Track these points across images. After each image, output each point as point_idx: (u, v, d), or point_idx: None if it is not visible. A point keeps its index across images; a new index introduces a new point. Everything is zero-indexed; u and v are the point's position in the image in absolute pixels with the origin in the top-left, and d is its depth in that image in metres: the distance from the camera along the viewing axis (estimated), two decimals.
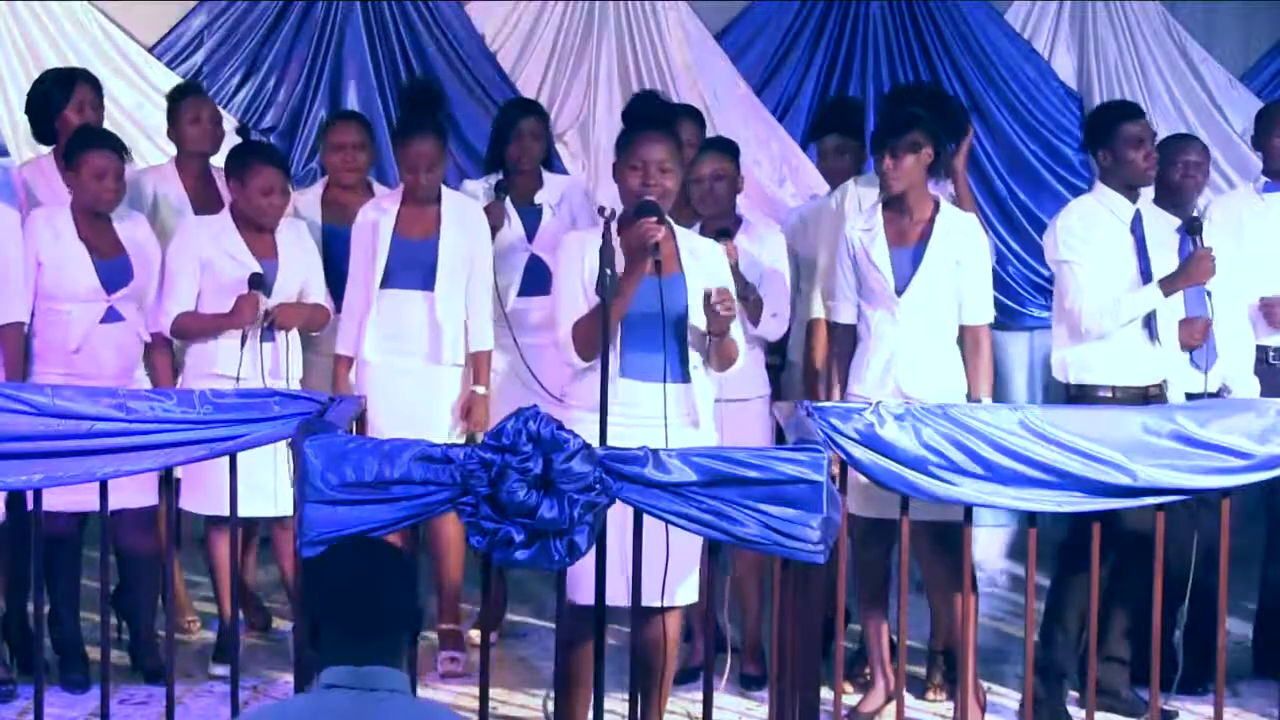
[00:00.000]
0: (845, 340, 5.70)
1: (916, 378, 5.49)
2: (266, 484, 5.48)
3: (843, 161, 6.45)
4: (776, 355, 6.32)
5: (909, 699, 5.57)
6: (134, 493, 5.54)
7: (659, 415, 4.79)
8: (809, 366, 6.16)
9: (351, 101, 8.13)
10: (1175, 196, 5.99)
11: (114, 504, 5.31)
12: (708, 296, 4.88)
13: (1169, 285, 5.67)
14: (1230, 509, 4.98)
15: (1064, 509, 4.79)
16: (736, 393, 5.71)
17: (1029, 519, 4.97)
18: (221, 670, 5.80)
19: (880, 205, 5.63)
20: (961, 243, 5.54)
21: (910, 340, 5.52)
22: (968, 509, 4.84)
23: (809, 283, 6.22)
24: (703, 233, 5.82)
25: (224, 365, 5.84)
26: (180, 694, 5.32)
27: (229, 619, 5.67)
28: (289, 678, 4.99)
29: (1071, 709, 5.69)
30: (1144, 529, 5.08)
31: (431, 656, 5.98)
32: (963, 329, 5.58)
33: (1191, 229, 5.83)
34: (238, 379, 5.71)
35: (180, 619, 6.27)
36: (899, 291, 5.52)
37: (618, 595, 4.56)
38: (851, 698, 5.72)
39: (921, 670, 5.95)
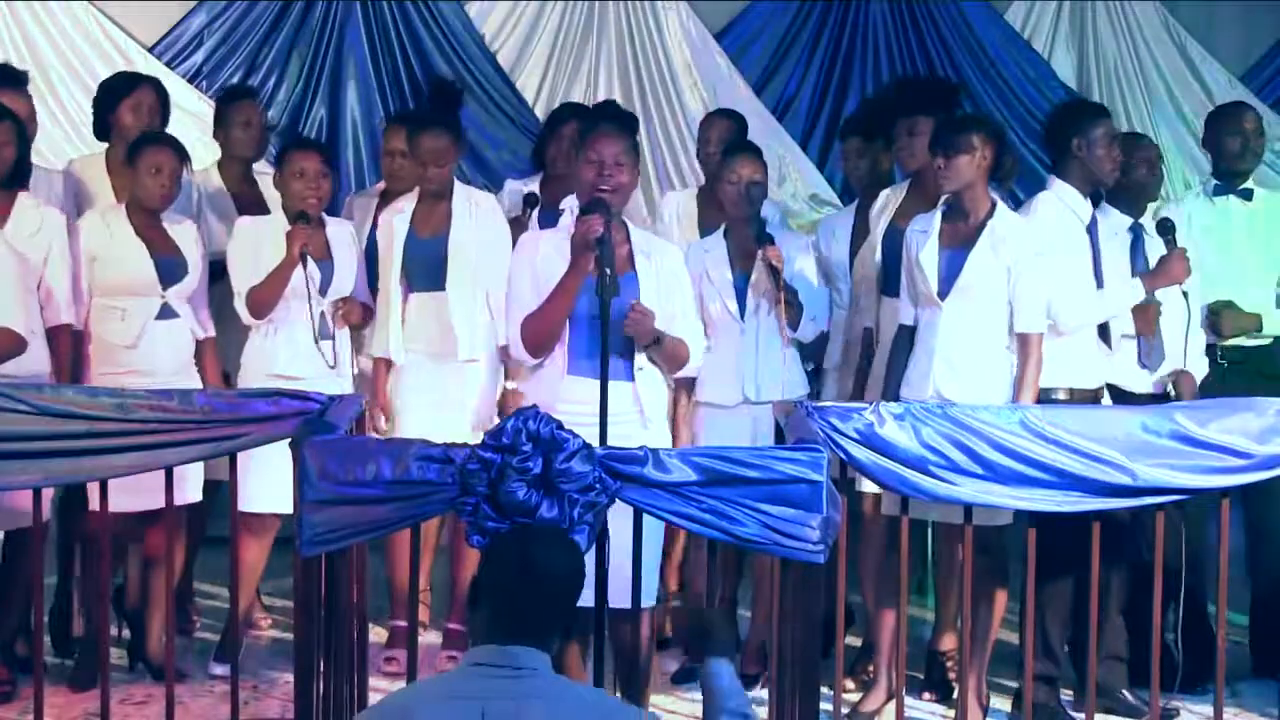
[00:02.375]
0: (904, 341, 5.65)
1: (955, 382, 5.42)
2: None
3: (862, 164, 6.40)
4: (809, 362, 6.30)
5: (909, 699, 5.57)
6: (177, 490, 5.55)
7: (612, 413, 4.77)
8: (860, 373, 6.10)
9: (351, 101, 8.16)
10: (1135, 194, 5.94)
11: (153, 504, 5.34)
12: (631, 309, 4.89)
13: (1150, 282, 5.67)
14: (1206, 511, 4.95)
15: (1064, 509, 4.78)
16: (777, 394, 5.71)
17: (1028, 519, 4.97)
18: (221, 670, 5.80)
19: (941, 209, 5.59)
20: (1014, 248, 5.44)
21: (950, 344, 5.45)
22: (967, 508, 4.84)
23: (835, 291, 6.20)
24: (728, 233, 5.84)
25: (282, 365, 5.87)
26: (180, 694, 5.32)
27: (240, 618, 5.67)
28: (289, 677, 4.99)
29: (1069, 709, 5.69)
30: (1119, 523, 5.05)
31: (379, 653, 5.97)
32: (1014, 336, 5.49)
33: (1163, 229, 5.82)
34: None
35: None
36: (942, 295, 5.47)
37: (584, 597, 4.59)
38: (853, 695, 5.72)
39: (919, 673, 5.96)
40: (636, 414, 4.96)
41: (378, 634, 6.14)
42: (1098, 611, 5.56)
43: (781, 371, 5.83)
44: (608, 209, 4.88)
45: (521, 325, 4.97)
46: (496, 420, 6.00)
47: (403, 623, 6.15)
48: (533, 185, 6.57)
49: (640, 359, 5.01)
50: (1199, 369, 5.94)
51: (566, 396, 4.86)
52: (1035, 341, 5.46)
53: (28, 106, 6.23)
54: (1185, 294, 5.74)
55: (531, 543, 3.24)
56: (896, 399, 5.47)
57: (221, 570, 6.40)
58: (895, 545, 5.51)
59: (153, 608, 5.97)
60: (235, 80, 8.06)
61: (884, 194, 6.11)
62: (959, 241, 5.49)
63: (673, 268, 5.14)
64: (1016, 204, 5.79)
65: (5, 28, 7.94)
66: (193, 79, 8.04)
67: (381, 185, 6.69)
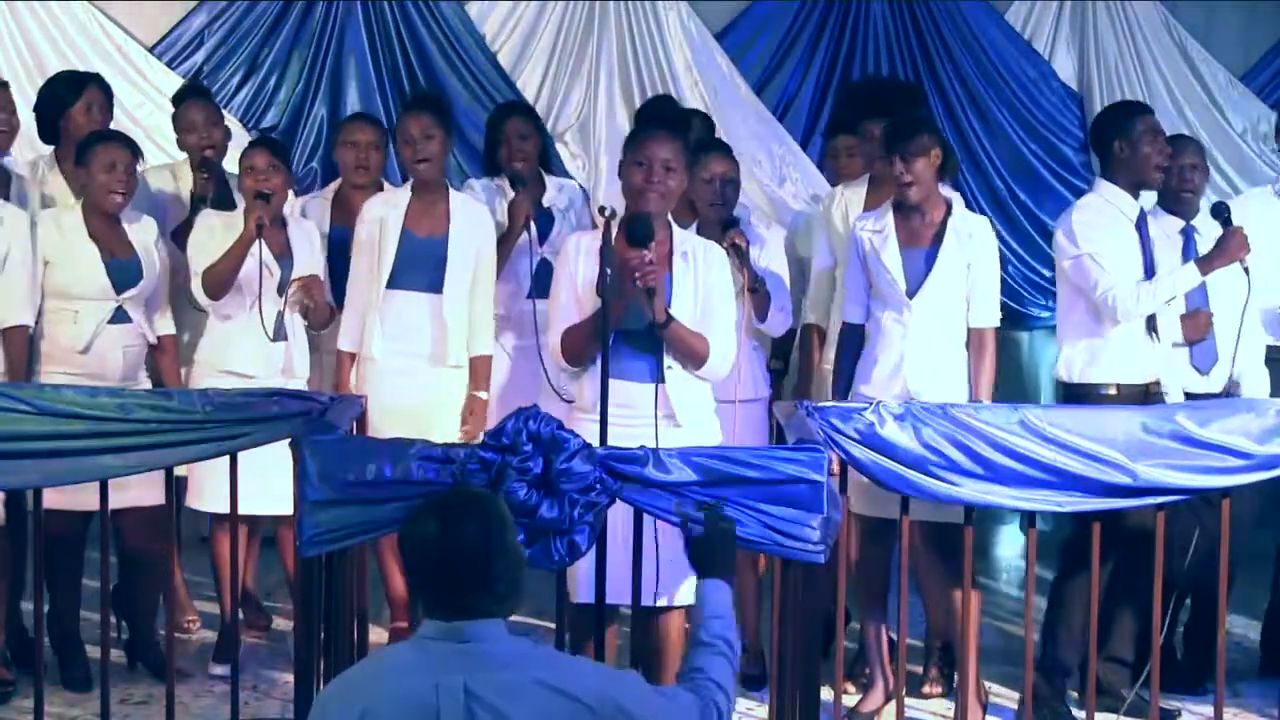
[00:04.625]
0: (853, 340, 5.68)
1: (925, 380, 5.47)
2: (273, 482, 5.47)
3: (853, 164, 6.39)
4: (780, 360, 6.30)
5: (909, 699, 5.57)
6: (141, 491, 5.54)
7: (646, 415, 4.79)
8: (805, 371, 6.16)
9: (352, 101, 8.14)
10: (1185, 197, 5.97)
11: (120, 503, 5.34)
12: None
13: (1206, 265, 5.67)
14: (1243, 510, 4.94)
15: (1064, 509, 4.79)
16: (740, 394, 5.70)
17: (1029, 519, 4.97)
18: (221, 670, 5.80)
19: (890, 207, 5.62)
20: (973, 245, 5.52)
21: (920, 342, 5.50)
22: (968, 509, 4.84)
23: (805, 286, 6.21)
24: (700, 232, 5.83)
25: (234, 363, 5.85)
26: (180, 694, 5.32)
27: (230, 618, 5.67)
28: (289, 677, 4.99)
29: (1072, 709, 5.69)
30: (1146, 529, 5.07)
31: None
32: (969, 331, 5.57)
33: (1218, 212, 5.84)
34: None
35: (180, 619, 6.28)
36: (910, 294, 5.50)
37: (618, 594, 4.58)
38: (852, 698, 5.72)
39: (919, 669, 5.96)
40: (664, 416, 4.90)
41: (377, 634, 6.14)
42: (1110, 612, 5.59)
43: (744, 370, 5.80)
44: (653, 235, 4.83)
45: (562, 336, 4.93)
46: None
47: (404, 624, 6.16)
48: (502, 184, 6.54)
49: (668, 358, 4.95)
50: (1256, 367, 5.92)
51: (617, 399, 4.78)
52: (990, 337, 5.56)
53: (3, 100, 6.20)
54: (1246, 270, 5.73)
55: (439, 522, 3.16)
56: (844, 397, 5.51)
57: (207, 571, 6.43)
58: (865, 548, 5.55)
59: (143, 607, 5.97)
60: (235, 80, 8.06)
61: (837, 191, 6.14)
62: (920, 240, 5.54)
63: (713, 269, 5.06)
64: (994, 201, 5.81)
65: (5, 27, 7.93)
66: (193, 79, 8.02)
67: (334, 186, 6.59)
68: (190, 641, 6.36)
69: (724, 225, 5.76)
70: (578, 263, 4.95)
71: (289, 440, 4.51)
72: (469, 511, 3.20)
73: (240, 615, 5.99)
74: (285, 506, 5.53)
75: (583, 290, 4.89)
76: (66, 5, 7.96)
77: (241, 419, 4.68)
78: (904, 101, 6.18)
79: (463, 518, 3.18)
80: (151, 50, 8.06)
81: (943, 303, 5.51)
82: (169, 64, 8.02)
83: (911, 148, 5.45)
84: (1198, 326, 5.82)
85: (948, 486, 4.70)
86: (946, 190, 5.73)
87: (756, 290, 5.73)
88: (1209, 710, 5.22)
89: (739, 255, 5.67)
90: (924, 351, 5.51)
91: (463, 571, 3.12)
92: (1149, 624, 5.10)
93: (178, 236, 6.20)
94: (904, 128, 5.55)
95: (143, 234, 5.95)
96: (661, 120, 6.11)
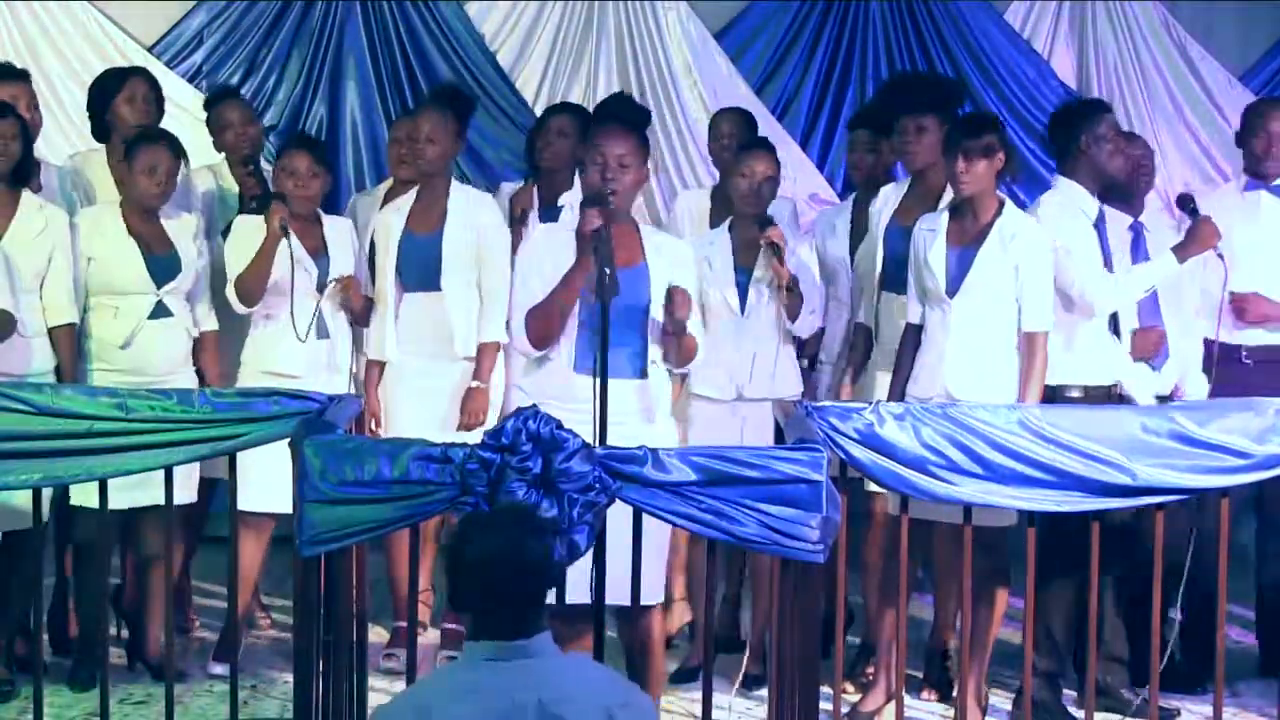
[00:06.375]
0: (911, 339, 5.64)
1: (964, 379, 5.42)
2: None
3: (869, 158, 6.33)
4: (803, 358, 6.28)
5: (909, 699, 5.57)
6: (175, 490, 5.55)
7: (617, 411, 4.76)
8: (855, 370, 6.11)
9: (351, 101, 8.15)
10: (1132, 193, 5.98)
11: (150, 500, 5.35)
12: (670, 294, 4.89)
13: (1182, 253, 5.68)
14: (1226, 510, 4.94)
15: (1063, 508, 4.79)
16: (773, 391, 5.70)
17: (1028, 519, 4.97)
18: (221, 669, 5.80)
19: (949, 207, 5.58)
20: (1018, 247, 5.43)
21: (959, 342, 5.44)
22: (967, 508, 4.84)
23: (833, 286, 6.19)
24: (733, 228, 5.85)
25: (278, 363, 5.89)
26: (179, 693, 5.31)
27: (240, 617, 5.67)
28: (289, 677, 4.99)
29: (1071, 709, 5.68)
30: (1125, 528, 5.08)
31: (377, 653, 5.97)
32: (1020, 335, 5.48)
33: (1184, 203, 5.86)
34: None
35: (187, 613, 6.30)
36: (950, 293, 5.46)
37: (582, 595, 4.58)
38: (852, 697, 5.72)
39: (918, 671, 5.96)
40: (642, 411, 4.95)
41: (378, 634, 6.14)
42: (1102, 612, 5.59)
43: (776, 368, 5.81)
44: (607, 202, 4.87)
45: (525, 317, 4.96)
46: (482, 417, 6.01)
47: (405, 623, 6.15)
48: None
49: (654, 352, 4.99)
50: (1195, 367, 5.92)
51: (572, 394, 4.84)
52: (1041, 340, 5.47)
53: (28, 95, 6.23)
54: (1221, 255, 5.75)
55: (502, 541, 3.19)
56: (903, 397, 5.47)
57: (220, 570, 6.41)
58: (899, 550, 5.53)
59: (151, 607, 5.97)
60: (235, 80, 8.06)
61: (884, 191, 6.08)
62: (967, 240, 5.49)
63: (683, 264, 5.09)
64: (1019, 205, 5.79)
65: (5, 28, 7.94)
66: (192, 78, 8.03)
67: (385, 185, 6.67)
68: (190, 641, 6.36)
69: (760, 223, 5.76)
70: (546, 250, 5.00)
71: (288, 440, 4.51)
72: (528, 527, 3.26)
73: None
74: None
75: (552, 278, 4.91)
76: (66, 5, 7.97)
77: (241, 419, 4.69)
78: (945, 97, 6.09)
79: (523, 534, 3.22)
80: (150, 50, 8.07)
81: (983, 303, 5.44)
82: (168, 64, 8.03)
83: (977, 147, 5.40)
84: (1148, 344, 5.81)
85: (947, 486, 4.71)
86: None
87: (792, 290, 5.73)
88: (1208, 710, 5.22)
89: (775, 253, 5.67)
90: (964, 352, 5.44)
91: (531, 587, 3.17)
92: (1132, 621, 5.11)
93: (224, 235, 6.21)
94: (972, 126, 5.51)
95: (182, 229, 5.97)
96: (616, 118, 6.10)
